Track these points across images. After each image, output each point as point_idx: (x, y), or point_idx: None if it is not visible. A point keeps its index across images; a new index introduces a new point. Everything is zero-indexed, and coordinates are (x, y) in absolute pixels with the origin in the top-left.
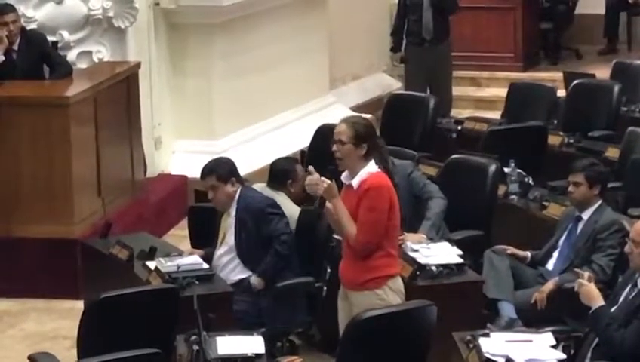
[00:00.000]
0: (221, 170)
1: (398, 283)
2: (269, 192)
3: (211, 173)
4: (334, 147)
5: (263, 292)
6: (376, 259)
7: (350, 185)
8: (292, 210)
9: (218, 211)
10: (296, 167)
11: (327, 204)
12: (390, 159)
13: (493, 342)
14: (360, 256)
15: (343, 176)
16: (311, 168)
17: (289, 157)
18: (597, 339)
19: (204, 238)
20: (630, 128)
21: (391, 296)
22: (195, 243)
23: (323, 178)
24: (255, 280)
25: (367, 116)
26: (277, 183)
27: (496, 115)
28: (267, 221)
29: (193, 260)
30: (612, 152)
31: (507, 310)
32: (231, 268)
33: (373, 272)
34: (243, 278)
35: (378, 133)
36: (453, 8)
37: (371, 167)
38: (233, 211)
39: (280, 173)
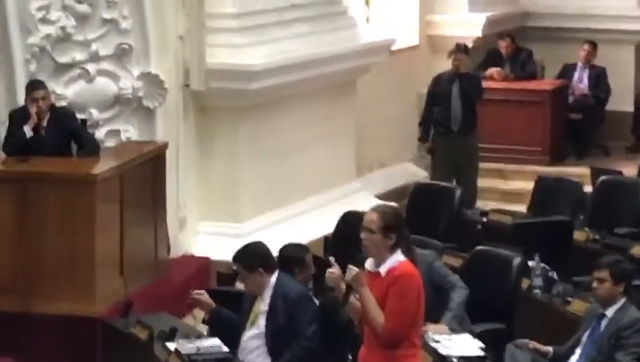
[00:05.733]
0: (247, 259)
1: None
2: None
3: (238, 261)
4: (363, 235)
5: None
6: (402, 350)
7: (377, 273)
8: None
9: (244, 294)
10: (306, 256)
11: (352, 296)
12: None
13: None
14: (386, 346)
15: (368, 264)
16: (331, 259)
17: (300, 244)
18: None
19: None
20: None
21: None
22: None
23: (351, 266)
24: None
25: (393, 205)
26: (284, 269)
27: (521, 208)
28: (297, 318)
29: (213, 342)
30: (638, 250)
31: None
32: (258, 354)
33: None
34: None
35: None
36: (479, 95)
37: (399, 256)
38: (267, 297)
39: (289, 259)
